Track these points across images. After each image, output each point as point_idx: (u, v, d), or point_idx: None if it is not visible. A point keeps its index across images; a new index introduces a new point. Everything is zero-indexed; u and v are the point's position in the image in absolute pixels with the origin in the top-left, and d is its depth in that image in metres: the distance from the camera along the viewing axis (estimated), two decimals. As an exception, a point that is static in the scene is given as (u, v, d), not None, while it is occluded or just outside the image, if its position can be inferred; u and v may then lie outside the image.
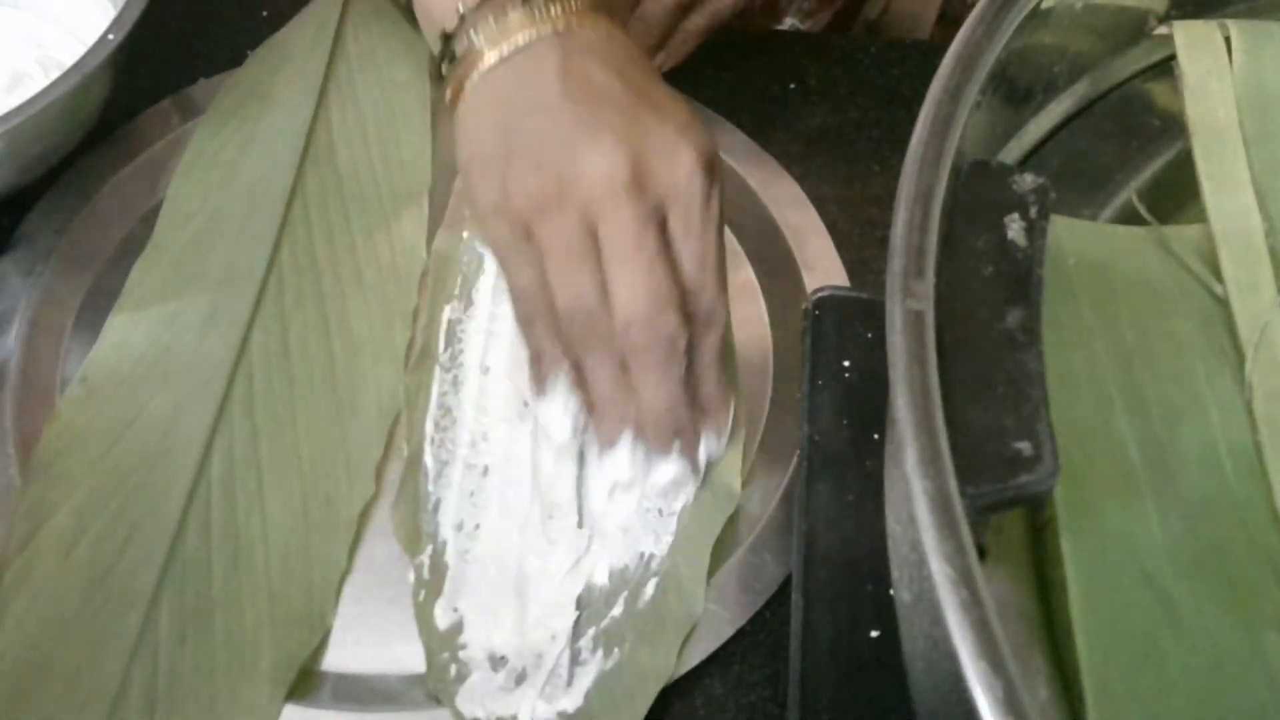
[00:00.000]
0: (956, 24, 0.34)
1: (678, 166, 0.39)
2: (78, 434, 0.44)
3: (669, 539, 0.42)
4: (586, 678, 0.39)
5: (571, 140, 0.39)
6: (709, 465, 0.43)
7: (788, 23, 0.68)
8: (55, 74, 0.47)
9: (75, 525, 0.42)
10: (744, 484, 0.44)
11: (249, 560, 0.42)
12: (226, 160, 0.54)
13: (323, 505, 0.44)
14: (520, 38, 0.41)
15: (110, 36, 0.48)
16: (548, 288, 0.40)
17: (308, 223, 0.52)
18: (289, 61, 0.57)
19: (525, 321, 0.43)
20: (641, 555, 0.42)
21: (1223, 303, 0.36)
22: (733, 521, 0.43)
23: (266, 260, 0.50)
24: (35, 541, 0.41)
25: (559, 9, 0.41)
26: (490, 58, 0.41)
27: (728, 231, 0.53)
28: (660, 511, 0.43)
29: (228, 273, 0.49)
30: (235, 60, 0.57)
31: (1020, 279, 0.30)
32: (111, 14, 0.49)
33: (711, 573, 0.42)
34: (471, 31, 0.41)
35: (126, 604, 0.40)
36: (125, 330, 0.48)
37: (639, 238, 0.39)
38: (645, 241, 0.39)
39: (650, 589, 0.41)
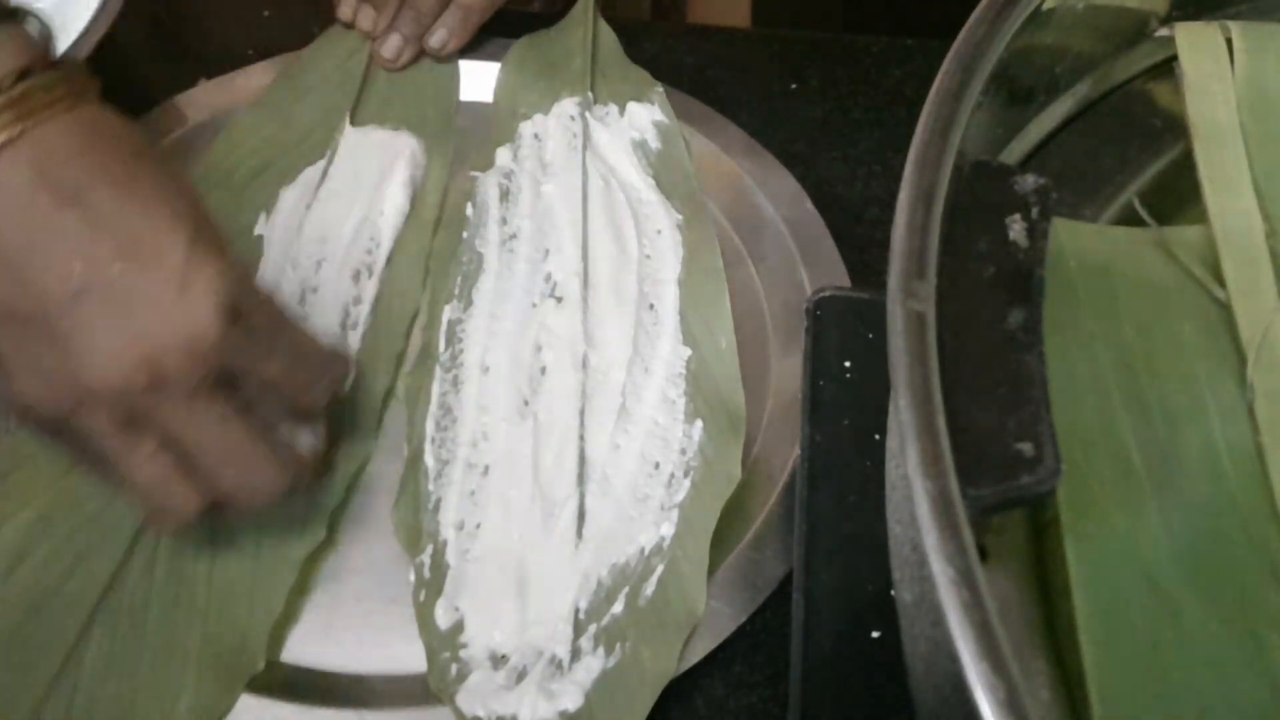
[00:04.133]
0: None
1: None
2: (35, 450, 0.44)
3: (670, 530, 0.43)
4: (588, 676, 0.39)
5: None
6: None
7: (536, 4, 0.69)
8: None
9: (22, 543, 0.42)
10: (744, 484, 0.44)
11: (189, 601, 0.42)
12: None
13: (275, 545, 0.43)
14: None
15: (88, 32, 0.48)
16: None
17: None
18: (310, 92, 0.57)
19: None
20: (642, 550, 0.42)
21: (1224, 305, 0.36)
22: (733, 518, 0.43)
23: None
24: None
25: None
26: None
27: (729, 229, 0.53)
28: (662, 505, 0.43)
29: None
30: (235, 61, 0.57)
31: (1022, 279, 0.30)
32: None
33: (712, 570, 0.42)
34: None
35: (57, 633, 0.40)
36: None
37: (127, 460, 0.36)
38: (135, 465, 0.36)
39: (651, 586, 0.41)
